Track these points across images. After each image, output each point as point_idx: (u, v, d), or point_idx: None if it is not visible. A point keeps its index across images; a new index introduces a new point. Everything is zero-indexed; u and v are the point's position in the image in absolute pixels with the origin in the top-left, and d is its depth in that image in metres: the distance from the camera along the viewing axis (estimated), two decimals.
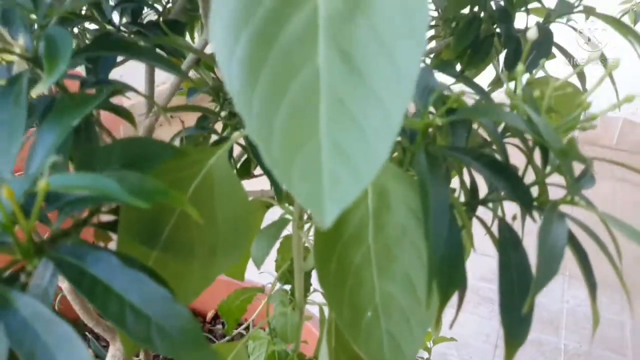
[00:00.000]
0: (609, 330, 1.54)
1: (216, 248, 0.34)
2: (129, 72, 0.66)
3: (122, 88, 0.33)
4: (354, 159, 0.20)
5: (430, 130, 0.34)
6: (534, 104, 0.29)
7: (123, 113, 0.32)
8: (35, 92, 0.24)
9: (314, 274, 0.64)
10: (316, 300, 0.50)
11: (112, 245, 0.37)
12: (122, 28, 0.57)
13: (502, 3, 0.57)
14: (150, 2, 0.57)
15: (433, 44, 0.69)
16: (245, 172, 0.50)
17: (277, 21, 0.21)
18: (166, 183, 0.32)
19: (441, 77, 0.53)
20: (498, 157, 0.35)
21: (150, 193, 0.25)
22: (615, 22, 0.55)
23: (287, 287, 0.58)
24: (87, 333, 1.03)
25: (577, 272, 1.76)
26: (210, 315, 1.15)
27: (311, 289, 0.55)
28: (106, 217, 0.34)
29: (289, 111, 0.20)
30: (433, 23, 0.71)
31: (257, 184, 0.54)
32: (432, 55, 0.66)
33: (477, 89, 0.45)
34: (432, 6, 0.76)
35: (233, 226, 0.35)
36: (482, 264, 1.67)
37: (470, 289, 1.62)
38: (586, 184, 0.30)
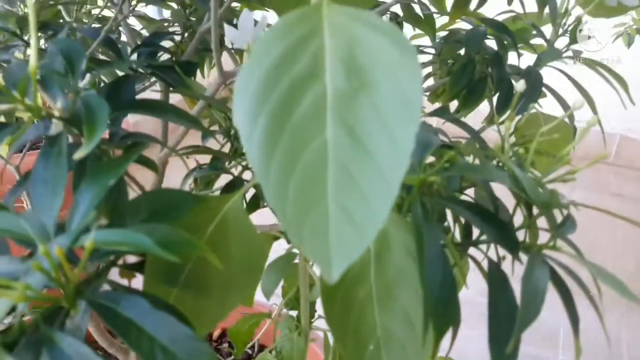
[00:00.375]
0: (605, 345, 1.56)
1: (230, 285, 0.37)
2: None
3: (148, 142, 0.36)
4: (358, 221, 0.23)
5: None
6: (519, 160, 0.32)
7: (149, 165, 0.35)
8: (77, 156, 0.27)
9: (318, 301, 0.67)
10: (321, 327, 0.53)
11: (135, 281, 0.40)
12: (139, 69, 0.60)
13: (494, 46, 0.61)
14: (162, 44, 0.61)
15: (431, 81, 0.73)
16: (255, 205, 0.53)
17: (291, 101, 0.24)
18: (188, 227, 0.35)
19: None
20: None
21: (178, 244, 0.27)
22: (599, 65, 0.59)
23: (293, 312, 0.61)
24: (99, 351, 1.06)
25: (576, 287, 1.79)
26: (216, 334, 1.18)
27: (316, 315, 0.57)
28: (130, 257, 0.37)
29: (301, 179, 0.23)
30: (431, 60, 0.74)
31: (266, 215, 0.57)
32: (428, 93, 0.69)
33: (470, 131, 0.48)
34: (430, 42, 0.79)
35: (246, 264, 0.38)
36: (479, 278, 1.70)
37: (469, 304, 1.64)
38: (568, 230, 0.33)
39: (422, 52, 0.78)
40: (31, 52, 0.28)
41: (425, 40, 0.80)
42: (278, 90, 0.24)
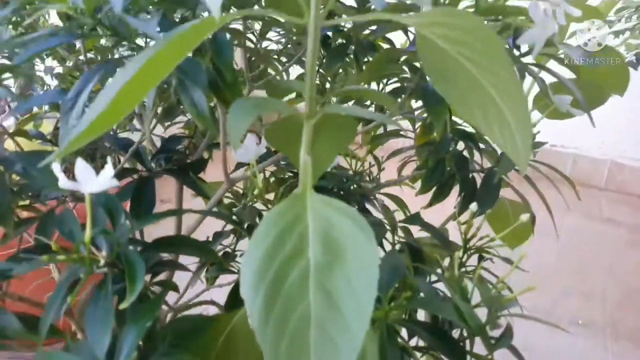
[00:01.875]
0: None
1: None
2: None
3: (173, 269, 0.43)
4: None
5: None
6: (464, 293, 0.40)
7: (173, 288, 0.43)
8: (122, 307, 0.35)
9: None
10: None
11: None
12: (156, 168, 0.67)
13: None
14: (177, 149, 0.68)
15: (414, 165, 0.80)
16: None
17: (283, 275, 0.31)
18: (205, 342, 0.42)
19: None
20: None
21: None
22: (550, 167, 0.66)
23: None
24: None
25: (565, 313, 1.84)
26: None
27: None
28: None
29: (289, 338, 0.30)
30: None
31: None
32: (407, 180, 0.77)
33: (436, 234, 0.55)
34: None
35: None
36: None
37: None
38: (504, 342, 0.40)
39: (404, 137, 0.86)
40: (87, 227, 0.35)
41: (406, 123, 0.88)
42: (273, 267, 0.31)
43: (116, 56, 0.64)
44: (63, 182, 0.33)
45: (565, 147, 2.72)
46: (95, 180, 0.33)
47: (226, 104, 0.41)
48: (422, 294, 0.43)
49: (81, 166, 0.33)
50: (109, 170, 0.34)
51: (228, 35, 0.40)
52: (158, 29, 0.38)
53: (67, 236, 0.40)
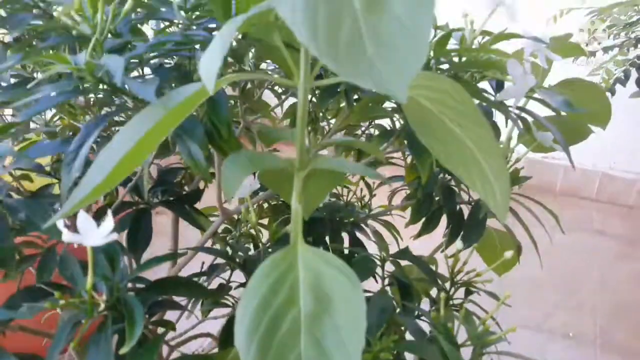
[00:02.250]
0: None
1: None
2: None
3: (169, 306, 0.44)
4: None
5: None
6: (449, 333, 0.41)
7: (170, 327, 0.44)
8: (122, 352, 0.36)
9: None
10: None
11: None
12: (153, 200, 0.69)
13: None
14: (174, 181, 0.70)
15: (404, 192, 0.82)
16: None
17: (276, 324, 0.33)
18: None
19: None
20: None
21: None
22: (532, 200, 0.69)
23: None
24: None
25: (556, 326, 1.85)
26: None
27: None
28: None
29: None
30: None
31: None
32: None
33: (423, 268, 0.57)
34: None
35: None
36: None
37: None
38: None
39: (394, 164, 0.88)
40: (88, 275, 0.37)
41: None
42: (267, 316, 0.33)
43: None
44: (66, 236, 0.35)
45: (556, 159, 2.74)
46: (96, 233, 0.35)
47: (223, 154, 0.43)
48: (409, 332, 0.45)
49: (82, 218, 0.35)
50: (109, 222, 0.35)
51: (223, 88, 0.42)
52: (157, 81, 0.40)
53: (68, 279, 0.42)
